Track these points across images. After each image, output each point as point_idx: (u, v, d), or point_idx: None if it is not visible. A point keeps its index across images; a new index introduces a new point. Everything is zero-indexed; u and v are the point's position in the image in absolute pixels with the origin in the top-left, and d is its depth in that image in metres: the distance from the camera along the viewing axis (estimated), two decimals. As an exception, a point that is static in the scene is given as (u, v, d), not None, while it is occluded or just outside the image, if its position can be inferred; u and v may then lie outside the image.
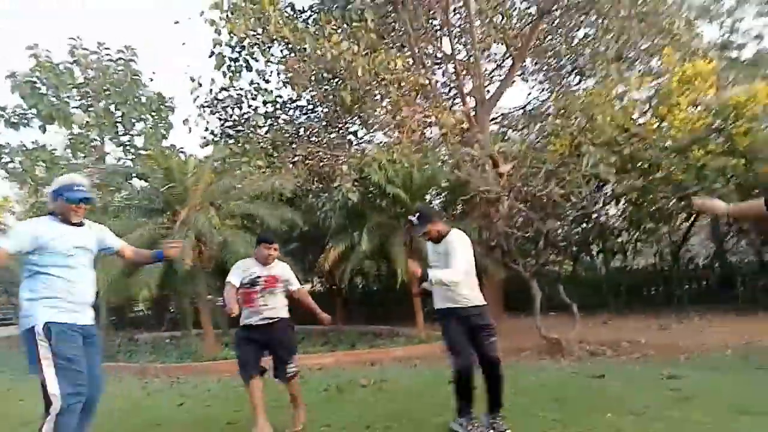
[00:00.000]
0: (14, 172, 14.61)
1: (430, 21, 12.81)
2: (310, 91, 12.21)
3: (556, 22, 13.01)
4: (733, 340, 7.46)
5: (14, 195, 20.92)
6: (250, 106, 12.68)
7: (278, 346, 4.38)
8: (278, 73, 12.15)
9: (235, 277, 4.35)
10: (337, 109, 12.38)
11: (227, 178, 10.01)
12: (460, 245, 3.95)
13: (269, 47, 10.69)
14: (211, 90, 12.21)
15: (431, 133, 12.76)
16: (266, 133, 12.51)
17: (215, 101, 12.54)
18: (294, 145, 12.21)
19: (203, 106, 12.37)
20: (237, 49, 10.99)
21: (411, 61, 11.52)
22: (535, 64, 14.63)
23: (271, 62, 11.45)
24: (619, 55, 11.73)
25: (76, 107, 14.78)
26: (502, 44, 13.40)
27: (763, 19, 16.19)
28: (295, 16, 12.15)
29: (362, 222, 9.73)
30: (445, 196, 11.58)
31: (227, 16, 9.73)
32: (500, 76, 14.35)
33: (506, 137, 13.65)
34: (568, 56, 13.48)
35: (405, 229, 8.96)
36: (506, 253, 8.38)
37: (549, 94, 14.41)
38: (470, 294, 4.02)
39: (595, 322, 10.27)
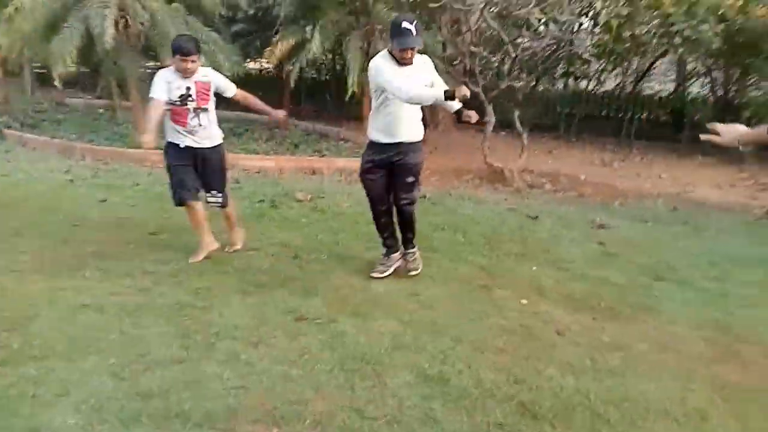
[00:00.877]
0: None
1: None
2: None
3: None
4: (666, 189, 7.67)
5: None
6: None
7: (210, 176, 3.99)
8: None
9: (160, 91, 3.67)
10: None
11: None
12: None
13: None
14: None
15: None
16: None
17: None
18: None
19: None
20: None
21: None
22: None
23: None
24: None
25: None
26: None
27: None
28: None
29: (317, 15, 8.64)
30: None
31: None
32: None
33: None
34: None
35: (363, 30, 8.04)
36: (467, 72, 7.79)
37: None
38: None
39: (541, 149, 10.28)
